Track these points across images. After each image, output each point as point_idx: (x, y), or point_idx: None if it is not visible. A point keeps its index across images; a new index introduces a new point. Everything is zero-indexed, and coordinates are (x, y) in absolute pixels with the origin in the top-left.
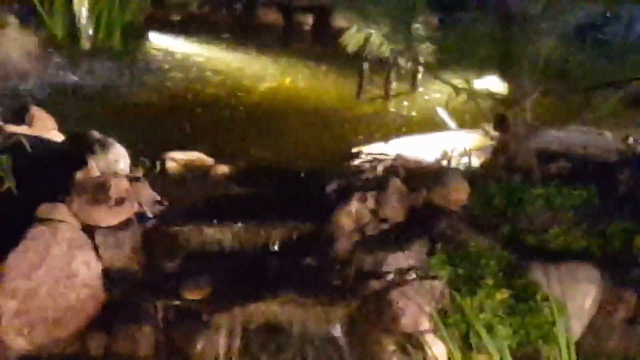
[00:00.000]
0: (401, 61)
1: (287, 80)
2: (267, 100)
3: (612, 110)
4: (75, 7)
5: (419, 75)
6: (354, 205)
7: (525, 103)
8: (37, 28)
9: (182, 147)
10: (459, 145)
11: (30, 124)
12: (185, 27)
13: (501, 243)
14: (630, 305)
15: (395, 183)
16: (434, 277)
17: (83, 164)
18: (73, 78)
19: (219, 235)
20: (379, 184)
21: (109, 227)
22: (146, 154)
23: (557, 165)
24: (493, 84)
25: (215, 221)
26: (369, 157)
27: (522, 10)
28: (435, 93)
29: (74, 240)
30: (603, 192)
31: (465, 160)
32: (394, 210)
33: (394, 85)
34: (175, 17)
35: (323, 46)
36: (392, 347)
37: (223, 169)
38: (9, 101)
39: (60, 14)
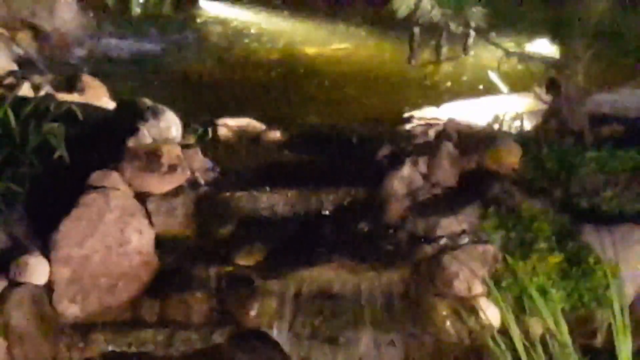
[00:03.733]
0: (452, 25)
1: (339, 46)
2: (319, 65)
3: None
4: None
5: (470, 40)
6: (406, 170)
7: (577, 66)
8: None
9: (234, 114)
10: (510, 109)
11: (82, 92)
12: None
13: (554, 207)
14: None
15: (447, 147)
16: (486, 242)
17: (135, 131)
18: (124, 45)
19: (272, 201)
20: (431, 149)
21: (161, 194)
22: (198, 121)
23: (610, 128)
24: (544, 47)
25: (267, 187)
26: (421, 122)
27: None
28: (486, 57)
29: (127, 208)
30: None
31: (517, 124)
32: (446, 175)
33: (445, 49)
34: None
35: (374, 11)
36: (445, 311)
37: (275, 134)
38: (61, 69)
39: None
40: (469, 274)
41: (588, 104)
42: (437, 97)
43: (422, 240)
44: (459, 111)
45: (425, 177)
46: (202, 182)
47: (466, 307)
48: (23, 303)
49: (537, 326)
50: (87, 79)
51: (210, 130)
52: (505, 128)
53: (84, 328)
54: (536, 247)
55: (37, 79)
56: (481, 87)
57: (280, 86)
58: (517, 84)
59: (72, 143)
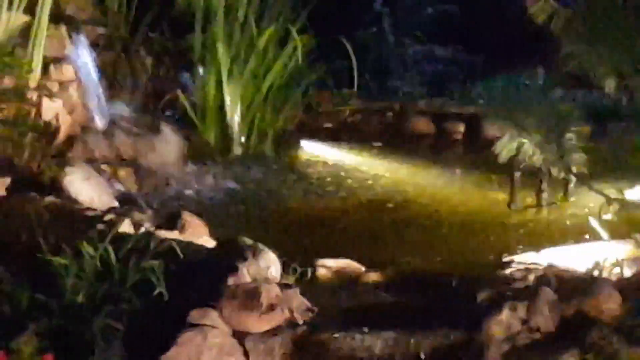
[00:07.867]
0: (553, 171)
1: (438, 188)
2: (417, 208)
3: None
4: (228, 114)
5: (571, 185)
6: (505, 315)
7: None
8: (189, 135)
9: (332, 254)
10: (611, 256)
11: (182, 230)
12: (337, 135)
13: None
14: None
15: (547, 293)
16: None
17: (234, 270)
18: (225, 184)
19: (369, 343)
20: (530, 294)
21: (259, 334)
22: (297, 261)
23: None
24: None
25: (365, 329)
26: (521, 266)
27: None
28: (587, 202)
29: (225, 346)
30: None
31: (617, 270)
32: (545, 320)
33: (545, 194)
34: (327, 125)
35: (474, 155)
36: None
37: (373, 276)
38: (161, 207)
39: (213, 121)
40: None
41: None
42: (537, 241)
43: None
44: (558, 257)
45: (524, 322)
46: (301, 322)
47: None
48: None
49: None
50: (187, 216)
51: (309, 270)
52: (605, 275)
53: None
54: None
55: (137, 216)
56: (582, 233)
57: (379, 228)
58: (618, 231)
59: (172, 281)
